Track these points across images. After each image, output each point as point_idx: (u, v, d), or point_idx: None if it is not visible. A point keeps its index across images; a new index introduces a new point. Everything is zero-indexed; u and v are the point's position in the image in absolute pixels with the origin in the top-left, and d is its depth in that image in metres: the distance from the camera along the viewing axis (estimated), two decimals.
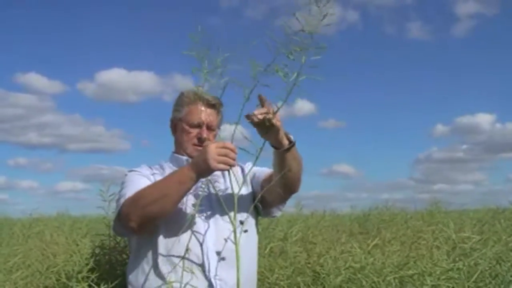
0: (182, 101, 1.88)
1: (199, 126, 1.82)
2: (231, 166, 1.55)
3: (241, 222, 1.62)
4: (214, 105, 1.85)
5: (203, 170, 1.55)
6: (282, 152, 1.61)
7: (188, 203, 1.72)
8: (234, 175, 1.69)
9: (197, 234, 1.67)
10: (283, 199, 1.82)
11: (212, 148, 1.54)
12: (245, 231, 1.65)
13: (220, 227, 1.71)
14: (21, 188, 14.72)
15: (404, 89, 17.47)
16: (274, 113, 1.54)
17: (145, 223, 1.61)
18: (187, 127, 1.83)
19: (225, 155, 1.54)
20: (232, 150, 1.55)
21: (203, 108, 1.82)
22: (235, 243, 1.55)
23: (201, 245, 1.66)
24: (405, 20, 17.73)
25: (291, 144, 1.62)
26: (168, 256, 1.65)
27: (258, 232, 1.89)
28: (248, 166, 1.90)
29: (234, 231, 1.55)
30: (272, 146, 1.63)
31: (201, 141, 1.80)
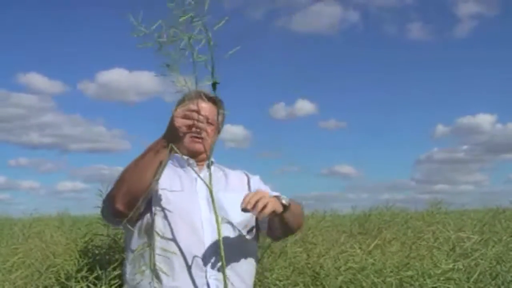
0: (181, 100, 1.89)
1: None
2: (194, 120, 1.56)
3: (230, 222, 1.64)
4: (213, 101, 1.85)
5: (170, 133, 1.57)
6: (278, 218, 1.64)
7: (189, 203, 1.72)
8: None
9: (196, 234, 1.67)
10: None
11: (176, 111, 1.57)
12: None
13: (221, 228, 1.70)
14: (22, 188, 14.75)
15: (404, 90, 17.48)
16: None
17: (129, 200, 1.60)
18: None
19: (190, 117, 1.55)
20: (195, 111, 1.56)
21: (202, 104, 1.83)
22: (219, 234, 1.55)
23: (199, 245, 1.65)
24: (406, 21, 17.75)
25: (284, 210, 1.61)
26: (165, 255, 1.65)
27: (257, 235, 1.88)
28: (255, 178, 1.90)
29: (217, 222, 1.54)
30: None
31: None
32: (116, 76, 17.50)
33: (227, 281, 1.48)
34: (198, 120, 1.57)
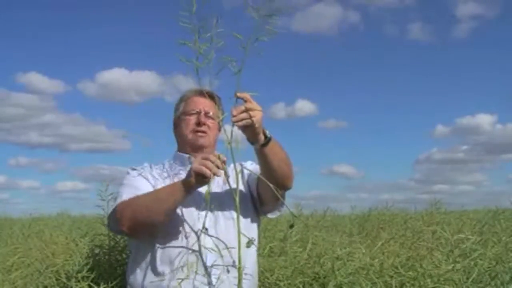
0: (179, 100, 1.92)
1: (197, 114, 1.84)
2: (212, 172, 1.53)
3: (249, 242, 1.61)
4: (210, 96, 1.85)
5: (189, 177, 1.56)
6: (259, 148, 1.61)
7: (190, 203, 1.72)
8: (226, 174, 1.67)
9: (197, 234, 1.67)
10: (276, 197, 1.67)
11: (198, 157, 1.58)
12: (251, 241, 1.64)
13: (221, 227, 1.70)
14: (21, 187, 14.74)
15: (404, 90, 17.47)
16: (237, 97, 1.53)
17: (136, 229, 1.63)
18: (185, 117, 1.85)
19: (207, 159, 1.54)
20: (216, 157, 1.55)
21: (200, 99, 1.85)
22: (238, 240, 1.54)
23: (200, 245, 1.65)
24: (406, 21, 17.72)
25: (267, 139, 1.59)
26: (167, 255, 1.65)
27: (258, 232, 1.88)
28: (247, 164, 1.89)
29: (238, 231, 1.54)
30: (249, 141, 1.62)
31: (199, 125, 1.81)
32: (116, 76, 17.46)
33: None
34: (213, 162, 1.54)
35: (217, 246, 1.65)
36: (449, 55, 17.16)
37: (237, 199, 1.56)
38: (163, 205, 1.59)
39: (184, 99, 1.90)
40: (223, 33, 1.53)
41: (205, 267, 1.63)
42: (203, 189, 1.70)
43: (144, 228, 1.63)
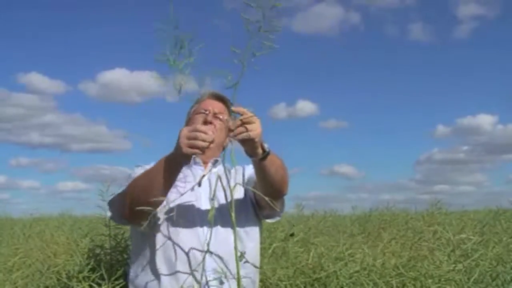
0: (194, 102, 1.92)
1: (206, 113, 1.83)
2: (200, 149, 1.48)
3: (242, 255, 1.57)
4: (222, 100, 1.86)
5: (177, 156, 1.52)
6: (258, 161, 1.59)
7: (191, 204, 1.72)
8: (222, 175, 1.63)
9: (197, 235, 1.67)
10: (272, 203, 1.63)
11: (184, 132, 1.50)
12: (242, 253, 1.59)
13: (220, 235, 1.70)
14: (22, 187, 14.75)
15: (405, 90, 17.45)
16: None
17: (135, 213, 1.56)
18: (194, 116, 1.84)
19: (195, 138, 1.48)
20: (203, 132, 1.48)
21: (212, 101, 1.85)
22: (235, 247, 1.54)
23: (199, 246, 1.65)
24: (407, 22, 17.69)
25: (265, 153, 1.58)
26: (167, 256, 1.65)
27: (260, 235, 1.88)
28: (249, 167, 1.89)
29: (235, 238, 1.53)
30: (247, 153, 1.59)
31: (206, 123, 1.77)
32: (117, 76, 17.44)
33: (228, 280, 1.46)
34: (203, 140, 1.49)
35: (217, 262, 1.64)
36: (449, 55, 17.13)
37: (233, 214, 1.52)
38: (157, 183, 1.55)
39: (198, 101, 1.90)
40: (202, 49, 1.50)
41: (206, 282, 1.62)
42: (206, 206, 1.70)
43: (143, 207, 1.52)
